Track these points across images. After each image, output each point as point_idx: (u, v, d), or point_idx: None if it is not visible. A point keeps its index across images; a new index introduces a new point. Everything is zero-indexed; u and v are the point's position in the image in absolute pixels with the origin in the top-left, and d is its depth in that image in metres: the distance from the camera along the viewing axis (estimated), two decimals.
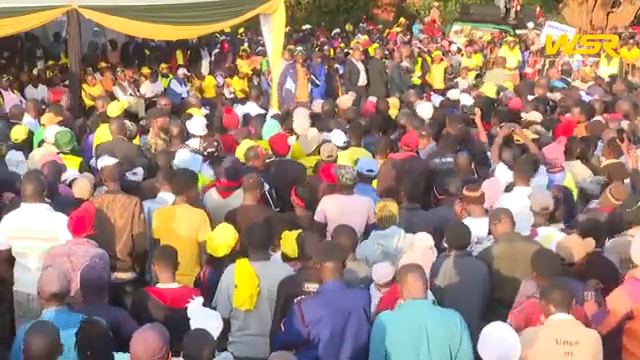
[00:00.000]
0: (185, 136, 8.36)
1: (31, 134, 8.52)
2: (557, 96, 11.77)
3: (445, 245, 5.61)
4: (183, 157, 7.37)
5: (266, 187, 6.79)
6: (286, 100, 12.81)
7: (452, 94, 12.39)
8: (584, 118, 9.49)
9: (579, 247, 5.25)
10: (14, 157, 7.82)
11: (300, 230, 5.63)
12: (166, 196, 6.58)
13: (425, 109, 10.18)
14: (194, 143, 8.12)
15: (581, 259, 5.27)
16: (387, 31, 23.69)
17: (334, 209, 6.47)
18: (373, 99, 11.68)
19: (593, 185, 6.84)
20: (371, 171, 7.05)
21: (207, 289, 5.27)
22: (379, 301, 5.11)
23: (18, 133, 8.12)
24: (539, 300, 4.47)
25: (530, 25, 21.35)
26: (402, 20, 25.02)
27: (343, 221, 5.82)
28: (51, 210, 5.79)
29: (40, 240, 5.65)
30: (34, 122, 9.28)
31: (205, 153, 7.58)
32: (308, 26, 23.69)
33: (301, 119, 8.82)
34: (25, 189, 5.81)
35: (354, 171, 6.63)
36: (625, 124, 9.20)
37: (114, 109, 9.11)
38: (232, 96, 14.71)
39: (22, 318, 5.38)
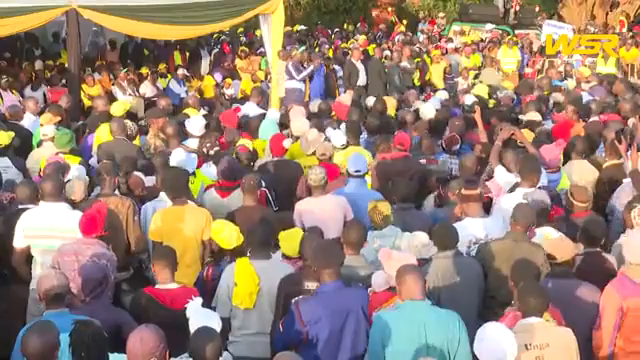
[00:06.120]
0: (184, 136, 8.36)
1: (29, 135, 8.49)
2: (559, 96, 11.74)
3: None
4: (179, 157, 7.30)
5: (262, 184, 6.78)
6: (297, 100, 12.61)
7: (441, 95, 12.18)
8: (579, 117, 9.48)
9: (567, 248, 5.25)
10: (1, 163, 7.58)
11: (297, 229, 5.62)
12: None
13: (426, 109, 10.17)
14: (192, 143, 8.12)
15: (570, 259, 5.26)
16: (396, 28, 23.67)
17: (308, 212, 6.44)
18: (372, 99, 11.66)
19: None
20: (358, 171, 6.94)
21: (212, 288, 5.28)
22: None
23: (1, 138, 7.65)
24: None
25: (488, 26, 21.39)
26: (404, 21, 25.06)
27: (319, 223, 5.78)
28: (70, 209, 5.74)
29: (61, 239, 5.53)
30: (35, 119, 9.21)
31: (210, 153, 7.56)
32: (302, 27, 23.57)
33: (299, 120, 8.79)
34: (44, 187, 5.78)
35: (322, 173, 6.57)
36: (630, 123, 9.16)
37: (118, 109, 9.11)
38: (233, 96, 14.71)
39: (37, 317, 5.26)
